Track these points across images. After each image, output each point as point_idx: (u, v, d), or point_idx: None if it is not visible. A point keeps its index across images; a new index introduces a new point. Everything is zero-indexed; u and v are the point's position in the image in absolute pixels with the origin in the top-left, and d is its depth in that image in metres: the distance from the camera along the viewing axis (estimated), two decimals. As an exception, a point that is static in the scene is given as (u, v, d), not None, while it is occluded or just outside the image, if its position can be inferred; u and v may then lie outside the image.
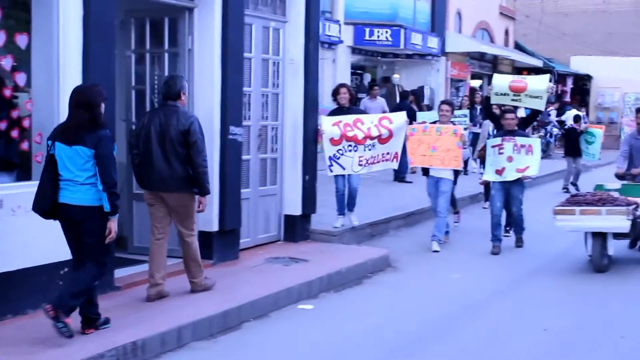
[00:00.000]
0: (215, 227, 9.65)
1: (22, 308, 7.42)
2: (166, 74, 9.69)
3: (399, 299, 9.00)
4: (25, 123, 7.78)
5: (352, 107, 12.18)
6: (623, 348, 7.40)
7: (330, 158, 11.60)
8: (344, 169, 11.67)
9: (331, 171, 11.69)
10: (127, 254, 9.76)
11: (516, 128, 11.94)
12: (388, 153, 11.69)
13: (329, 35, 20.17)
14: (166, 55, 9.75)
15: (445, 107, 12.10)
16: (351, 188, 12.05)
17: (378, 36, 22.55)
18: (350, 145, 11.59)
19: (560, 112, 33.29)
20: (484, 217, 13.02)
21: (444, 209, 11.77)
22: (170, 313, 7.61)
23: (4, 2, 7.45)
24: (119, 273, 8.69)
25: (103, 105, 6.80)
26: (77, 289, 6.67)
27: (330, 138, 11.56)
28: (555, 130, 29.76)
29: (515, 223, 12.11)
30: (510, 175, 11.53)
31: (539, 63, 33.93)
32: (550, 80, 12.58)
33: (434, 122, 12.29)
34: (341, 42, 21.12)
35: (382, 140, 11.64)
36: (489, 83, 33.92)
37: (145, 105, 9.88)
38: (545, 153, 28.21)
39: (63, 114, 7.72)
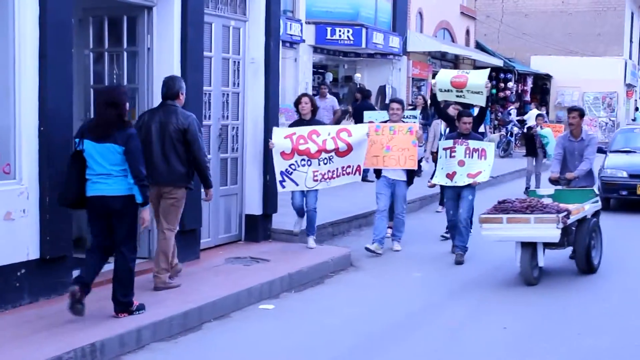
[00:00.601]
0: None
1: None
2: (125, 73, 9.64)
3: (361, 298, 9.01)
4: (-19, 123, 7.67)
5: (313, 119, 11.20)
6: (580, 344, 7.47)
7: (282, 173, 10.69)
8: (296, 184, 10.78)
9: (283, 187, 10.78)
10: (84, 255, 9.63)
11: (469, 131, 11.35)
12: (349, 166, 10.90)
13: (291, 35, 20.14)
14: (125, 54, 9.67)
15: (395, 105, 11.54)
16: (308, 208, 11.02)
17: (340, 35, 22.56)
18: (303, 160, 10.68)
19: (522, 111, 33.60)
20: (438, 219, 13.11)
21: (402, 212, 11.47)
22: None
23: (-42, 0, 7.34)
24: (77, 274, 8.58)
25: (127, 105, 7.54)
26: (124, 283, 7.52)
27: (281, 152, 10.65)
28: (516, 130, 30.01)
29: (459, 230, 11.07)
30: (460, 181, 11.00)
31: (499, 62, 34.17)
32: (490, 78, 12.39)
33: (385, 122, 11.78)
34: (303, 41, 21.09)
35: (340, 153, 10.76)
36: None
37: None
38: (507, 152, 28.45)
39: (20, 114, 7.65)
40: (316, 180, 10.76)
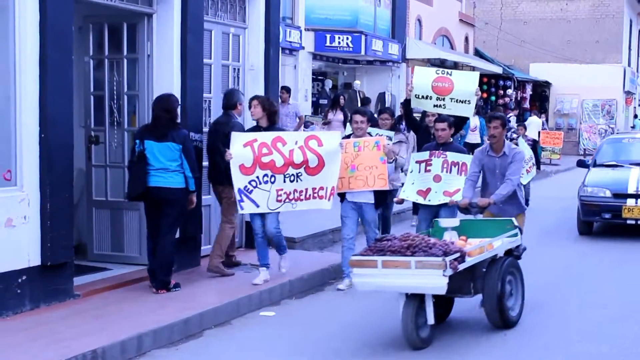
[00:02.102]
0: (176, 235, 9.58)
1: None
2: (125, 79, 9.67)
3: (361, 305, 8.99)
4: (-19, 130, 7.68)
5: (273, 126, 9.53)
6: (579, 350, 7.47)
7: (240, 191, 9.05)
8: (257, 206, 9.13)
9: (241, 208, 9.18)
10: (87, 262, 9.66)
11: (450, 140, 9.83)
12: (321, 188, 9.18)
13: (290, 42, 20.16)
14: (125, 61, 9.69)
15: (358, 117, 9.65)
16: (270, 233, 9.38)
17: (339, 42, 22.58)
18: (266, 175, 9.07)
19: (521, 118, 33.60)
20: None
21: (372, 239, 9.25)
22: (131, 320, 7.54)
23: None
24: (79, 281, 8.61)
25: (178, 110, 8.95)
26: (165, 264, 8.67)
27: (240, 164, 9.03)
28: (515, 136, 29.98)
29: None
30: (435, 199, 9.55)
31: (498, 69, 34.21)
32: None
33: (348, 136, 9.87)
34: (302, 48, 21.12)
35: (310, 169, 9.13)
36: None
37: (105, 111, 9.82)
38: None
39: (21, 120, 7.66)
40: (280, 201, 9.17)
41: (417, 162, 9.78)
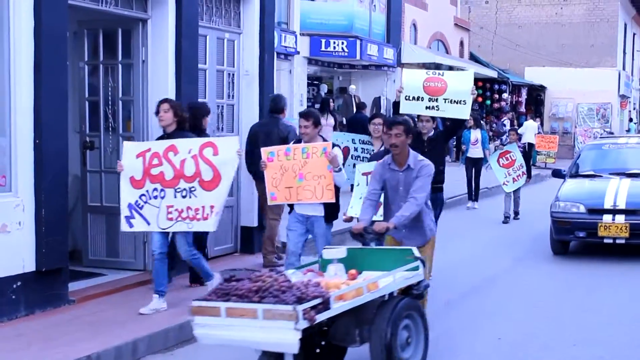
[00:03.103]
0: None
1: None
2: (120, 85, 9.68)
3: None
4: (-24, 135, 7.69)
5: (183, 132, 8.47)
6: (576, 354, 7.48)
7: (130, 206, 8.19)
8: (148, 223, 8.19)
9: (131, 225, 8.23)
10: (82, 267, 9.66)
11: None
12: (212, 207, 8.07)
13: (285, 46, 20.16)
14: (120, 66, 9.71)
15: (302, 121, 8.58)
16: (182, 258, 8.51)
17: (334, 47, 22.59)
18: (155, 189, 8.14)
19: (517, 122, 33.64)
20: None
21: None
22: (126, 326, 7.55)
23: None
24: (74, 286, 8.61)
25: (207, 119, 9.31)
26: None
27: (131, 177, 8.18)
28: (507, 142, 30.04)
29: None
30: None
31: (493, 74, 34.26)
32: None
33: (298, 141, 8.80)
34: (297, 53, 21.12)
35: (205, 183, 8.07)
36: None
37: (99, 116, 9.83)
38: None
39: (15, 126, 7.67)
40: (171, 219, 8.13)
41: (363, 174, 8.72)
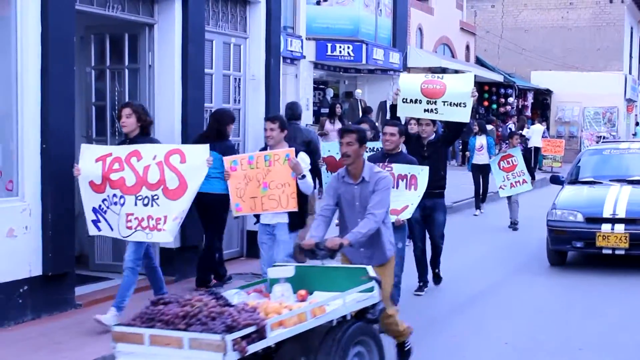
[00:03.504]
0: (176, 244, 9.61)
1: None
2: (127, 90, 9.71)
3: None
4: (-17, 140, 7.73)
5: (146, 137, 7.95)
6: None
7: (94, 210, 7.75)
8: (111, 229, 7.74)
9: (98, 229, 7.82)
10: (88, 272, 9.68)
11: (400, 149, 8.70)
12: (176, 218, 7.52)
13: (291, 51, 20.19)
14: (126, 71, 9.73)
15: (268, 124, 8.40)
16: (125, 264, 7.81)
17: (340, 51, 22.62)
18: (115, 196, 7.63)
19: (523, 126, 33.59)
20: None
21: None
22: (132, 330, 7.54)
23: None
24: (80, 291, 8.63)
25: (231, 125, 9.37)
26: (209, 265, 9.39)
27: (90, 181, 7.71)
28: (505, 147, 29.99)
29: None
30: None
31: (500, 78, 34.25)
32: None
33: (265, 148, 8.73)
34: (303, 57, 21.15)
35: (169, 192, 7.51)
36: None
37: (106, 121, 9.85)
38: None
39: (22, 131, 7.69)
40: (130, 228, 7.59)
41: None
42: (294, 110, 10.96)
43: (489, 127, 30.65)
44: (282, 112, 11.27)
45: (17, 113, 7.70)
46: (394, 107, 9.28)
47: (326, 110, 20.80)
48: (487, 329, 8.48)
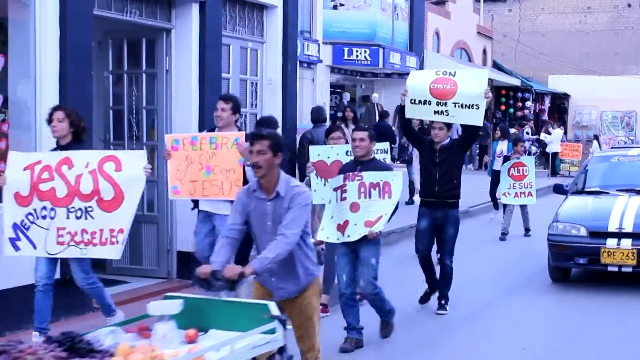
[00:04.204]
0: (193, 247, 9.62)
1: (13, 325, 7.47)
2: (144, 94, 9.76)
3: (375, 316, 8.98)
4: (2, 145, 7.76)
5: (80, 144, 7.18)
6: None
7: (15, 226, 6.98)
8: (34, 247, 6.99)
9: (16, 249, 7.02)
10: (105, 275, 9.71)
11: (372, 156, 7.91)
12: (121, 230, 6.86)
13: (308, 55, 20.21)
14: (144, 75, 9.78)
15: (220, 103, 7.98)
16: (80, 287, 7.38)
17: (357, 55, 22.63)
18: (44, 208, 6.93)
19: (539, 130, 33.47)
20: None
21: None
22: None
23: (-20, 24, 7.48)
24: (97, 294, 8.64)
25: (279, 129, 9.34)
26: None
27: (16, 192, 6.98)
28: (534, 149, 29.92)
29: (373, 304, 7.96)
30: (355, 233, 7.42)
31: (517, 82, 34.15)
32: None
33: (213, 129, 8.15)
34: (320, 61, 21.16)
35: (104, 203, 6.84)
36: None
37: (124, 125, 9.90)
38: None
39: (40, 136, 7.74)
40: (62, 244, 6.93)
41: (334, 189, 7.61)
42: (319, 114, 11.58)
43: (512, 131, 30.65)
44: (300, 116, 11.30)
45: (35, 117, 7.75)
46: (402, 109, 8.74)
47: (341, 115, 20.75)
48: (504, 335, 8.45)
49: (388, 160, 9.57)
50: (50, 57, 7.79)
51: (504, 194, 14.69)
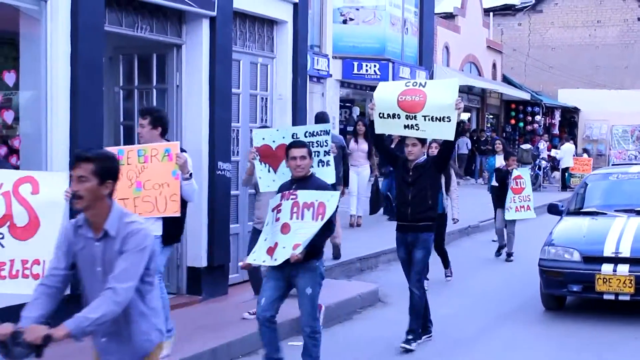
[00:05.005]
0: (203, 263, 9.61)
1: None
2: (154, 110, 9.74)
3: (390, 334, 8.95)
4: (13, 160, 7.77)
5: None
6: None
7: None
8: None
9: None
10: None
11: (310, 172, 7.14)
12: (36, 262, 6.00)
13: (318, 69, 20.26)
14: (154, 91, 9.79)
15: (140, 120, 7.27)
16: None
17: (366, 70, 22.70)
18: None
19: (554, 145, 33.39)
20: (469, 255, 12.70)
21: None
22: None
23: (-8, 40, 7.50)
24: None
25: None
26: None
27: None
28: (544, 163, 29.85)
29: (308, 346, 7.18)
30: (282, 256, 6.71)
31: (527, 96, 34.16)
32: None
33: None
34: (330, 75, 21.21)
35: (16, 230, 6.01)
36: (478, 116, 34.22)
37: (134, 140, 9.88)
38: (534, 186, 28.33)
39: (51, 151, 7.74)
40: None
41: (272, 210, 7.01)
42: (324, 120, 11.70)
43: (527, 146, 30.60)
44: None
45: (47, 133, 7.74)
46: (372, 124, 8.19)
47: (352, 129, 20.76)
48: (520, 348, 8.40)
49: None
50: (61, 72, 7.79)
51: (506, 209, 13.84)
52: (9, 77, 7.68)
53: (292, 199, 6.82)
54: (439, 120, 7.65)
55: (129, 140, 9.91)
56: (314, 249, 6.79)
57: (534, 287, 10.54)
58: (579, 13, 40.72)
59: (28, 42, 7.89)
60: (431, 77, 26.13)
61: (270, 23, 11.07)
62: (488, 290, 11.58)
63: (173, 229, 7.10)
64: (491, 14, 36.75)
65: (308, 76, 12.40)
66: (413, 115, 7.72)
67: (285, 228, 6.76)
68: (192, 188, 7.05)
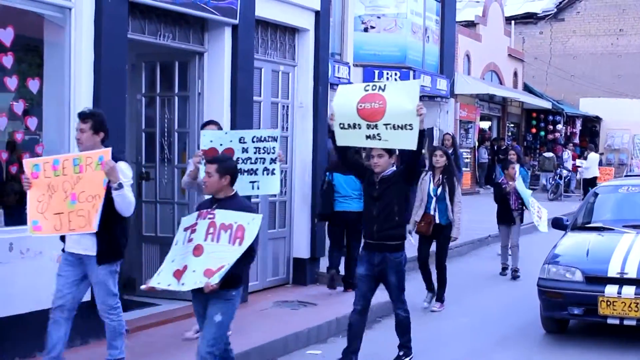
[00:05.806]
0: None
1: (30, 350, 7.40)
2: (176, 117, 9.82)
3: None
4: (36, 166, 7.81)
5: None
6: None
7: None
8: None
9: None
10: (135, 297, 9.73)
11: (232, 192, 6.43)
12: None
13: (339, 77, 20.23)
14: (176, 98, 9.83)
15: (79, 124, 6.63)
16: None
17: (387, 78, 22.64)
18: None
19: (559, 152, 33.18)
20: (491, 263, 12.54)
21: (108, 310, 6.88)
22: (177, 358, 7.56)
23: (16, 47, 7.54)
24: (127, 316, 8.62)
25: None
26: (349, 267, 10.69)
27: None
28: (565, 172, 29.67)
29: None
30: (190, 282, 6.07)
31: (548, 105, 33.99)
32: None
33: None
34: (351, 83, 21.20)
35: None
36: (499, 124, 34.11)
37: (156, 148, 9.95)
38: (556, 195, 28.20)
39: (73, 158, 7.78)
40: None
41: (184, 229, 6.36)
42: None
43: (549, 154, 30.39)
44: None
45: (69, 140, 7.79)
46: (333, 135, 7.58)
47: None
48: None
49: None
50: (84, 79, 7.85)
51: (535, 223, 12.94)
52: (33, 84, 7.73)
53: (209, 218, 6.20)
54: (401, 129, 7.05)
55: (151, 147, 9.98)
56: (231, 277, 6.08)
57: (537, 308, 9.65)
58: (601, 21, 40.51)
59: (52, 50, 7.96)
60: (452, 86, 26.07)
61: (292, 31, 11.11)
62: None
63: (108, 247, 6.48)
64: (513, 22, 36.60)
65: (329, 84, 12.39)
66: (374, 124, 7.13)
67: (197, 250, 6.11)
68: (123, 199, 6.36)
